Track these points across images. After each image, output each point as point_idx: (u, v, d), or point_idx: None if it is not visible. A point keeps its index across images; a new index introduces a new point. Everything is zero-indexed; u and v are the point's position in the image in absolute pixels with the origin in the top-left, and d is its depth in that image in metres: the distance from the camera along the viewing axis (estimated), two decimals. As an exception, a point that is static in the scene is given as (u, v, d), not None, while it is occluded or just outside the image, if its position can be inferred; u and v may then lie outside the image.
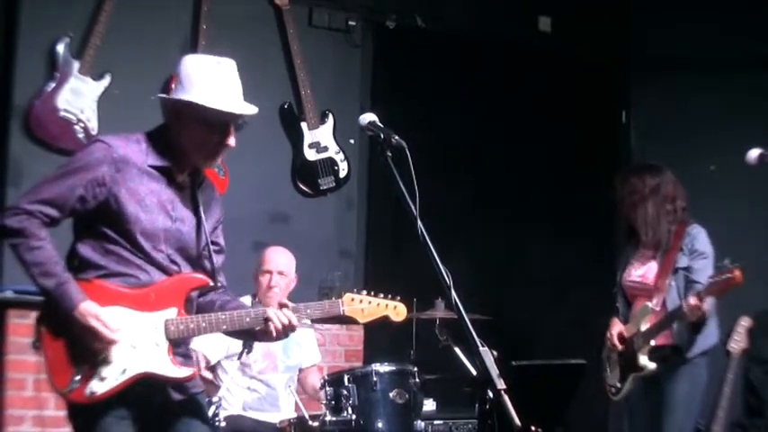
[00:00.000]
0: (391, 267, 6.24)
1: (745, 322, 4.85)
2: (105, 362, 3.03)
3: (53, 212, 3.05)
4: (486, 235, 6.54)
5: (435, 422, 4.98)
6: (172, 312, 3.14)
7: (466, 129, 6.57)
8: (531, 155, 6.76)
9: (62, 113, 5.31)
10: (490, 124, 6.65)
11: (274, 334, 3.20)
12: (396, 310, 3.46)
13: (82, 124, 5.34)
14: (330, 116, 6.07)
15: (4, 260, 5.05)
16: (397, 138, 3.03)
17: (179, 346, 3.19)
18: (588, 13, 6.98)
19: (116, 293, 3.08)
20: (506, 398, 2.71)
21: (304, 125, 6.01)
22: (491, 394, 2.75)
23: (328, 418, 4.23)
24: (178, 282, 3.19)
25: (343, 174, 6.10)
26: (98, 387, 3.02)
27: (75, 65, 5.35)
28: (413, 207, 2.93)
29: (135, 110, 5.24)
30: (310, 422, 4.24)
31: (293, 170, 6.03)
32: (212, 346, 4.71)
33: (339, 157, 6.08)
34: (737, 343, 4.81)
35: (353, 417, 4.24)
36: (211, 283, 3.26)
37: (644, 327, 4.58)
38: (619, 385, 4.72)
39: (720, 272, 4.26)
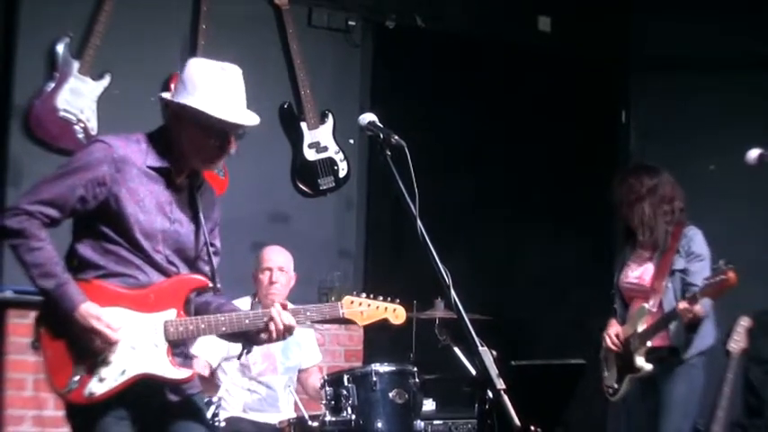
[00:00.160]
0: (391, 267, 6.24)
1: (744, 322, 4.84)
2: (104, 362, 3.03)
3: (53, 213, 3.05)
4: (486, 235, 6.54)
5: (435, 422, 4.98)
6: (171, 314, 3.14)
7: (466, 129, 6.56)
8: (531, 155, 6.76)
9: (62, 113, 5.31)
10: (490, 124, 6.65)
11: (275, 335, 3.20)
12: (395, 313, 3.47)
13: (82, 124, 5.34)
14: (330, 116, 6.07)
15: (4, 260, 5.06)
16: (396, 138, 3.03)
17: (178, 347, 3.19)
18: (588, 13, 6.98)
19: (115, 294, 3.08)
20: (506, 398, 2.71)
21: (304, 125, 6.01)
22: (491, 394, 2.75)
23: (328, 418, 4.23)
24: (177, 283, 3.19)
25: (342, 174, 6.10)
26: (97, 388, 3.02)
27: (75, 65, 5.35)
28: (412, 207, 2.93)
29: (135, 110, 5.25)
30: (310, 422, 4.24)
31: (293, 170, 6.03)
32: (212, 348, 4.71)
33: (339, 157, 6.08)
34: (737, 343, 4.81)
35: (353, 417, 4.24)
36: (210, 285, 3.26)
37: (641, 328, 4.58)
38: (616, 386, 4.72)
39: (715, 273, 4.26)
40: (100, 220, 3.10)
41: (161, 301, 3.13)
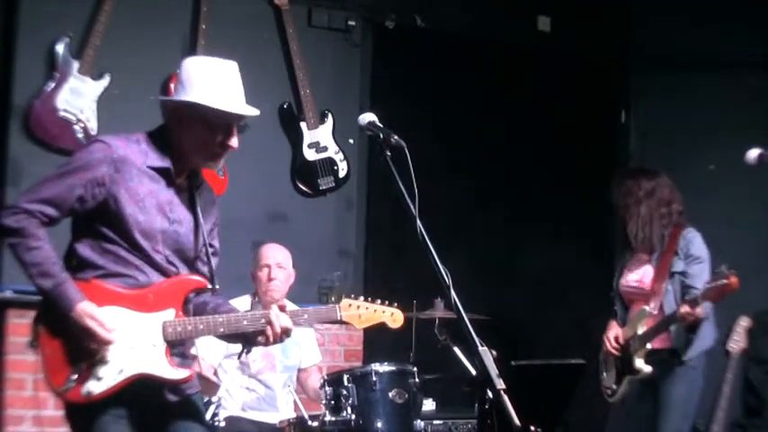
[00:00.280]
0: (391, 267, 6.24)
1: (744, 322, 4.84)
2: (102, 362, 3.04)
3: (52, 212, 3.05)
4: (486, 235, 6.54)
5: (435, 422, 4.98)
6: (170, 314, 3.15)
7: (466, 128, 6.56)
8: (531, 155, 6.76)
9: (62, 113, 5.31)
10: (490, 124, 6.65)
11: (272, 339, 3.20)
12: (393, 317, 3.48)
13: (81, 124, 5.34)
14: (329, 116, 6.07)
15: (4, 260, 5.06)
16: (396, 137, 3.03)
17: (176, 347, 3.19)
18: (588, 12, 6.98)
19: (114, 294, 3.08)
20: (506, 398, 2.71)
21: (303, 125, 6.01)
22: (490, 394, 2.74)
23: (328, 417, 4.23)
24: (176, 283, 3.19)
25: (342, 174, 6.10)
26: (95, 387, 3.02)
27: (75, 65, 5.35)
28: (412, 207, 2.93)
29: (135, 110, 5.24)
30: (310, 422, 4.24)
31: (293, 170, 6.03)
32: (212, 349, 4.71)
33: (338, 157, 6.08)
34: (737, 343, 4.81)
35: (353, 417, 4.24)
36: (209, 286, 3.26)
37: (641, 330, 4.57)
38: (614, 387, 4.72)
39: (716, 277, 4.25)
40: (99, 221, 3.10)
41: (160, 302, 3.13)
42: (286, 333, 3.21)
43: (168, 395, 3.18)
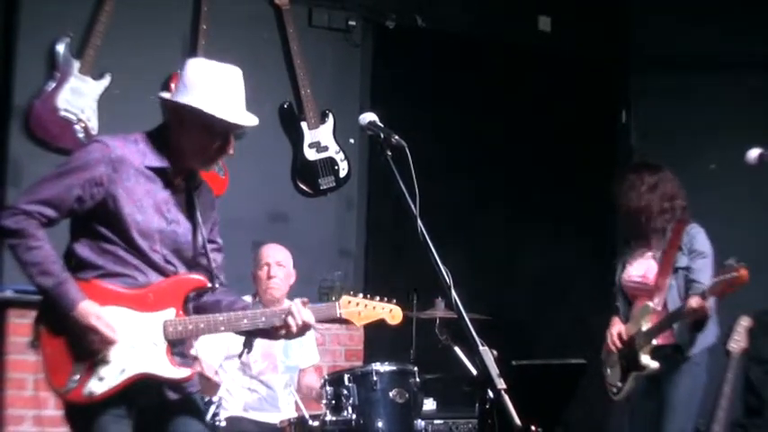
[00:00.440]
0: (391, 267, 6.24)
1: (744, 322, 4.84)
2: (104, 362, 3.04)
3: (50, 213, 3.06)
4: (486, 235, 6.54)
5: (435, 422, 4.98)
6: (170, 313, 3.15)
7: (466, 128, 6.57)
8: (531, 155, 6.76)
9: (62, 113, 5.31)
10: (490, 124, 6.65)
11: (294, 330, 3.20)
12: (392, 314, 3.49)
13: (82, 124, 5.34)
14: (330, 116, 6.07)
15: (4, 260, 5.06)
16: (397, 137, 3.03)
17: (177, 346, 3.19)
18: (588, 12, 6.98)
19: (115, 294, 3.09)
20: (506, 397, 2.71)
21: (304, 125, 6.01)
22: (491, 394, 2.74)
23: (328, 417, 4.23)
24: (176, 283, 3.20)
25: (343, 173, 6.10)
26: (97, 387, 3.03)
27: (76, 64, 5.35)
28: (413, 206, 2.93)
29: (135, 109, 5.25)
30: (310, 422, 4.24)
31: (293, 170, 6.04)
32: (213, 350, 4.71)
33: (339, 157, 6.08)
34: (737, 342, 4.81)
35: (353, 416, 4.24)
36: (209, 285, 3.26)
37: (645, 326, 4.57)
38: (620, 384, 4.71)
39: (725, 270, 4.24)
40: (97, 221, 3.11)
41: (160, 301, 3.14)
42: (307, 328, 3.23)
43: (169, 394, 3.19)
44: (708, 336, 4.54)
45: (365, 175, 6.30)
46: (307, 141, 6.02)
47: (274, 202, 6.01)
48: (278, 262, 4.89)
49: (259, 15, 5.96)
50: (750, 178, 5.08)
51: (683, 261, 4.59)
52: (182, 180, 3.26)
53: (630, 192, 4.70)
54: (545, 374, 5.50)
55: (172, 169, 3.20)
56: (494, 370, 2.75)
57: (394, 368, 4.40)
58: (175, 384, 3.19)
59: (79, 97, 5.35)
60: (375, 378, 4.30)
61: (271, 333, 3.27)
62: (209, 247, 3.29)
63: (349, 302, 3.42)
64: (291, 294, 4.96)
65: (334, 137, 6.08)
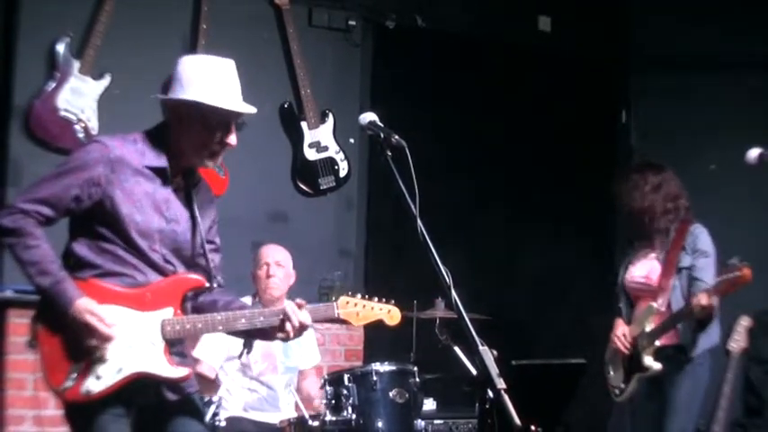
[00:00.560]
0: (391, 267, 6.24)
1: (744, 322, 4.84)
2: (101, 360, 3.04)
3: (48, 212, 3.06)
4: (486, 235, 6.54)
5: (435, 422, 4.99)
6: (168, 312, 3.15)
7: (466, 128, 6.57)
8: (531, 155, 6.76)
9: (62, 113, 5.32)
10: (490, 124, 6.65)
11: (291, 331, 3.20)
12: (390, 314, 3.49)
13: (82, 124, 5.34)
14: (330, 116, 6.07)
15: (4, 260, 5.06)
16: (397, 137, 3.03)
17: (175, 345, 3.19)
18: (588, 12, 6.98)
19: (112, 293, 3.09)
20: (506, 397, 2.71)
21: (304, 125, 6.01)
22: (491, 394, 2.74)
23: (328, 417, 4.23)
24: (174, 282, 3.19)
25: (343, 173, 6.10)
26: (94, 386, 3.03)
27: (76, 64, 5.35)
28: (413, 206, 2.93)
29: (135, 109, 5.22)
30: (310, 422, 4.24)
31: (293, 170, 6.04)
32: (213, 350, 4.71)
33: (339, 157, 6.08)
34: (737, 342, 4.81)
35: (353, 416, 4.24)
36: (207, 284, 3.26)
37: (648, 327, 4.55)
38: (623, 386, 4.70)
39: (729, 269, 4.23)
40: (96, 220, 3.11)
41: (158, 300, 3.14)
42: (304, 329, 3.22)
43: (167, 393, 3.19)
44: (711, 336, 4.54)
45: (365, 175, 6.30)
46: (307, 141, 6.02)
47: (274, 202, 6.02)
48: (277, 262, 4.89)
49: (259, 15, 5.96)
50: (750, 178, 5.08)
51: (686, 261, 4.58)
52: (181, 179, 3.26)
53: (634, 192, 4.69)
54: (545, 374, 5.51)
55: (171, 168, 3.20)
56: (494, 370, 2.75)
57: (394, 368, 4.40)
58: (174, 384, 3.18)
59: (79, 97, 5.35)
60: (375, 378, 4.30)
61: (268, 334, 3.26)
62: (207, 247, 3.29)
63: (347, 303, 3.42)
64: (291, 294, 4.95)
65: (335, 137, 6.08)
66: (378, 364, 4.38)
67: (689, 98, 6.83)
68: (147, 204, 3.14)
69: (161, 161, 3.18)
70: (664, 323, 4.52)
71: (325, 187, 6.06)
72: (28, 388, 5.16)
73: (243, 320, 3.20)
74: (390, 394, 4.31)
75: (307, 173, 6.03)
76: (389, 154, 3.03)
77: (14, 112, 5.31)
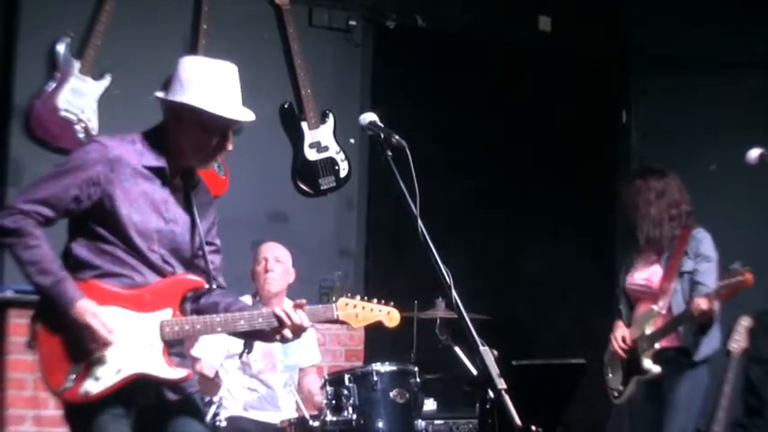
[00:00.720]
0: (392, 267, 6.24)
1: (745, 322, 4.84)
2: (100, 362, 3.03)
3: (48, 212, 3.06)
4: (486, 235, 6.55)
5: (436, 422, 4.98)
6: (167, 313, 3.14)
7: (466, 128, 6.57)
8: (531, 155, 6.76)
9: (62, 113, 5.32)
10: (490, 124, 6.65)
11: (289, 333, 3.19)
12: (389, 316, 3.48)
13: (82, 124, 5.34)
14: (330, 116, 6.07)
15: (5, 260, 5.06)
16: (397, 137, 3.03)
17: (174, 346, 3.19)
18: (588, 12, 6.98)
19: (111, 294, 3.08)
20: (507, 397, 2.71)
21: (304, 125, 6.01)
22: (491, 394, 2.74)
23: (329, 417, 4.23)
24: (173, 283, 3.19)
25: (343, 173, 6.10)
26: (93, 387, 3.02)
27: (76, 65, 5.35)
28: (413, 206, 2.93)
29: (135, 110, 5.23)
30: (311, 422, 4.24)
31: (293, 170, 6.04)
32: (213, 350, 4.71)
33: (339, 157, 6.08)
34: (738, 342, 4.81)
35: (354, 416, 4.24)
36: (206, 285, 3.26)
37: (649, 330, 4.55)
38: (621, 388, 4.70)
39: (731, 274, 4.24)
40: (95, 221, 3.10)
41: (157, 301, 3.14)
42: (302, 330, 3.22)
43: (167, 394, 3.18)
44: (713, 340, 4.53)
45: (365, 175, 6.30)
46: (307, 141, 6.02)
47: (274, 202, 6.02)
48: (276, 258, 4.90)
49: (259, 15, 5.96)
50: (750, 178, 5.08)
51: (688, 265, 4.58)
52: (180, 179, 3.26)
53: (637, 197, 4.68)
54: (545, 374, 5.50)
55: (170, 168, 3.20)
56: (494, 370, 2.74)
57: (394, 368, 4.40)
58: (174, 385, 3.18)
59: (79, 97, 5.35)
60: (375, 378, 4.30)
61: (267, 335, 3.26)
62: (207, 248, 3.28)
63: (346, 305, 3.42)
64: (292, 294, 4.96)
65: (335, 137, 6.08)
66: (378, 364, 4.38)
67: (689, 98, 6.83)
68: (146, 204, 3.14)
69: (160, 161, 3.18)
70: (664, 326, 4.53)
71: (325, 187, 6.06)
72: (28, 388, 5.16)
73: (242, 322, 3.19)
74: (391, 394, 4.32)
75: (307, 173, 6.03)
76: (390, 154, 3.03)
77: (15, 112, 5.32)
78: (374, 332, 5.82)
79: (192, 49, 5.59)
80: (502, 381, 2.73)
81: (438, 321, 4.91)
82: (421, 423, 4.37)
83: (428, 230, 2.89)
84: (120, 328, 3.06)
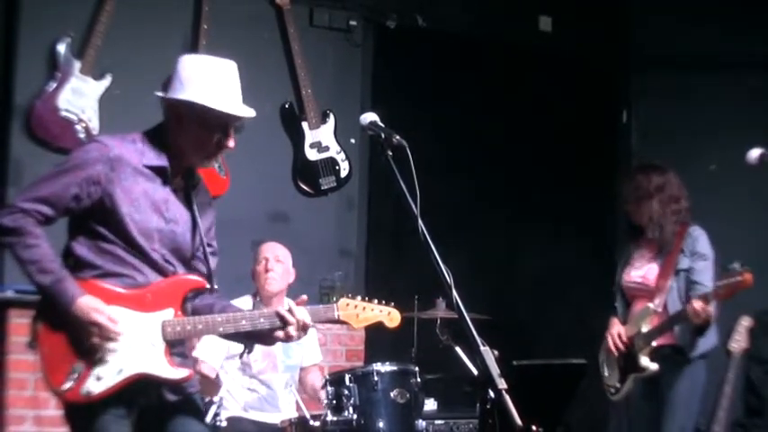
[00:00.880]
0: (392, 267, 6.24)
1: (745, 322, 4.84)
2: (101, 362, 3.03)
3: (48, 211, 3.06)
4: (486, 235, 6.55)
5: (436, 422, 4.98)
6: (169, 313, 3.14)
7: (466, 129, 6.57)
8: (531, 155, 6.77)
9: (63, 113, 5.32)
10: (490, 124, 6.65)
11: (293, 329, 3.19)
12: (389, 316, 3.49)
13: (83, 124, 5.34)
14: (331, 116, 6.08)
15: (5, 260, 5.06)
16: (397, 137, 3.03)
17: (175, 346, 3.19)
18: (588, 12, 6.98)
19: (113, 294, 3.08)
20: (507, 397, 2.71)
21: (305, 125, 6.01)
22: (492, 394, 2.74)
23: (329, 417, 4.23)
24: (175, 283, 3.19)
25: (344, 173, 6.10)
26: (94, 387, 3.02)
27: (77, 65, 5.35)
28: (413, 206, 2.93)
29: (136, 110, 5.23)
30: (311, 422, 4.24)
31: (294, 170, 6.04)
32: (213, 350, 4.71)
33: (340, 157, 6.08)
34: (738, 342, 4.81)
35: (354, 416, 4.24)
36: (208, 285, 3.26)
37: (645, 328, 4.56)
38: (618, 386, 4.71)
39: (730, 274, 4.24)
40: (95, 220, 3.10)
41: (158, 301, 3.13)
42: (305, 328, 3.21)
43: (168, 394, 3.18)
44: (709, 339, 4.54)
45: (366, 175, 6.30)
46: (308, 141, 6.02)
47: (275, 202, 6.02)
48: (276, 257, 4.90)
49: (260, 15, 5.96)
50: (750, 178, 5.08)
51: (684, 263, 4.58)
52: (180, 179, 3.26)
53: (638, 192, 4.69)
54: (546, 374, 5.50)
55: (171, 168, 3.20)
56: (494, 370, 2.75)
57: (395, 368, 4.40)
58: (175, 385, 3.18)
59: (80, 97, 5.35)
60: (376, 378, 4.30)
61: (268, 338, 3.25)
62: (206, 250, 3.29)
63: (347, 305, 3.42)
64: (292, 294, 4.96)
65: (335, 137, 6.08)
66: (379, 364, 4.38)
67: (689, 98, 6.83)
68: (146, 204, 3.13)
69: (161, 160, 3.18)
70: (661, 325, 4.53)
71: (325, 187, 6.06)
72: (28, 388, 5.16)
73: (244, 321, 3.19)
74: (391, 394, 4.32)
75: (307, 173, 6.03)
76: (390, 154, 3.03)
77: (15, 111, 5.32)
78: (375, 332, 5.81)
79: (193, 49, 5.59)
80: (502, 381, 2.74)
81: (438, 321, 4.92)
82: (421, 423, 4.37)
83: (428, 230, 2.90)
84: (123, 328, 3.06)
